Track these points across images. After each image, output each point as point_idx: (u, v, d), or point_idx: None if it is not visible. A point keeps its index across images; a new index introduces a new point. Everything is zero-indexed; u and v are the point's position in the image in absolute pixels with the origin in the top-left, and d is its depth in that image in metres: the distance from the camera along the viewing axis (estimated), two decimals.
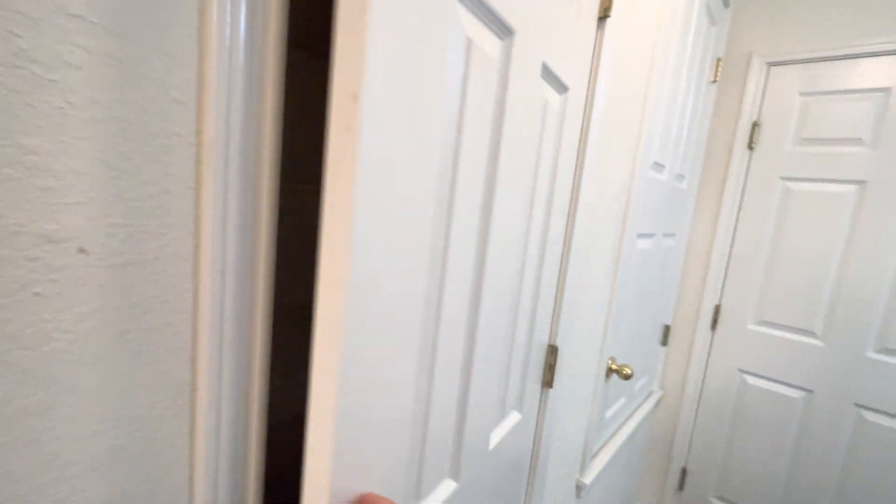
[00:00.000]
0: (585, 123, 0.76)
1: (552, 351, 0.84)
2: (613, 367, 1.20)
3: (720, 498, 1.72)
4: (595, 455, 1.26)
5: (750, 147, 1.59)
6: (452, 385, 0.55)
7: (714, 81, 1.56)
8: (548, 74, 0.64)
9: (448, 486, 0.60)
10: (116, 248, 0.35)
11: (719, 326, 1.69)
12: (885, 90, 1.36)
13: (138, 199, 0.36)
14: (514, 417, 0.80)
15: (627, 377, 1.16)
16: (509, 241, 0.62)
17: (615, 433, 1.40)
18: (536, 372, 0.83)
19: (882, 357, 1.39)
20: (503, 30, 0.50)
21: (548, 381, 0.85)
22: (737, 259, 1.64)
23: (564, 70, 0.68)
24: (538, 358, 0.83)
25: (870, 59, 1.38)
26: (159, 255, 0.38)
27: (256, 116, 0.42)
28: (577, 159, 0.76)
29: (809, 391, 1.52)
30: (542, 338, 0.82)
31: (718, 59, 1.55)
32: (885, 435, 1.40)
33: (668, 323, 1.74)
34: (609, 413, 1.30)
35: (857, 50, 1.40)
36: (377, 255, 0.36)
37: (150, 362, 0.39)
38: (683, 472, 1.80)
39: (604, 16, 0.75)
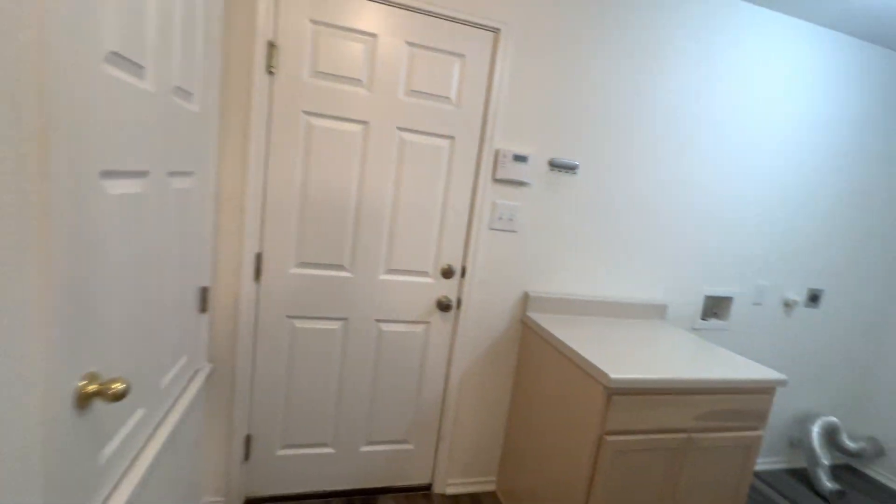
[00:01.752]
0: None
1: None
2: (92, 389, 0.74)
3: (287, 446, 1.68)
4: None
5: (270, 71, 1.41)
6: None
7: None
8: None
9: None
10: None
11: (263, 276, 1.53)
12: (374, 35, 1.48)
13: None
14: None
15: (118, 397, 0.75)
16: None
17: (132, 465, 0.97)
18: None
19: (388, 277, 1.66)
20: None
21: None
22: (273, 200, 1.49)
23: None
24: None
25: (364, 0, 1.45)
26: None
27: None
28: None
29: (345, 319, 1.64)
30: None
31: None
32: (393, 337, 1.71)
33: (206, 284, 1.41)
34: (110, 449, 0.86)
35: None
36: None
37: None
38: (248, 439, 1.63)
39: None
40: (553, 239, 1.80)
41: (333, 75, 1.47)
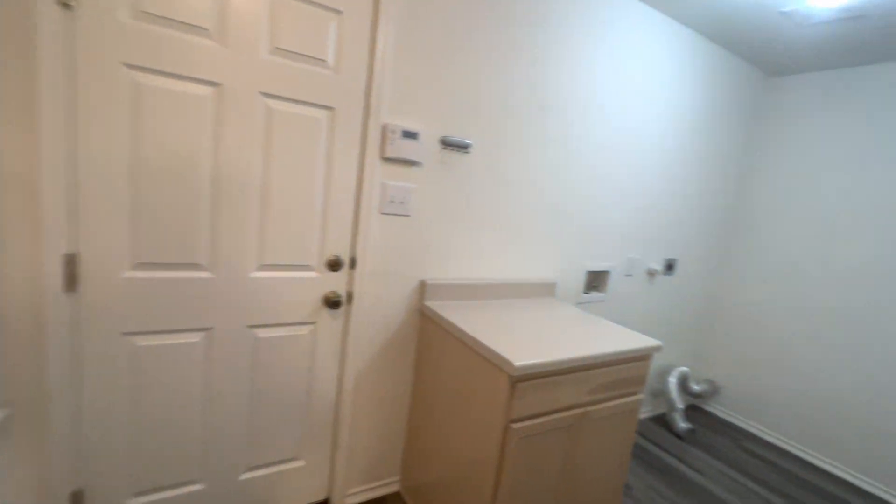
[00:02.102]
0: None
1: None
2: None
3: (139, 494, 1.34)
4: None
5: (64, 4, 1.02)
6: None
7: None
8: None
9: None
10: None
11: (83, 285, 1.15)
12: None
13: None
14: None
15: None
16: None
17: None
18: None
19: (262, 273, 1.39)
20: None
21: None
22: (90, 182, 1.12)
23: None
24: None
25: None
26: None
27: None
28: None
29: (209, 329, 1.34)
30: None
31: None
32: (273, 343, 1.46)
33: None
34: None
35: None
36: None
37: None
38: (78, 496, 1.25)
39: None
40: (448, 222, 1.70)
41: (166, 19, 1.13)
